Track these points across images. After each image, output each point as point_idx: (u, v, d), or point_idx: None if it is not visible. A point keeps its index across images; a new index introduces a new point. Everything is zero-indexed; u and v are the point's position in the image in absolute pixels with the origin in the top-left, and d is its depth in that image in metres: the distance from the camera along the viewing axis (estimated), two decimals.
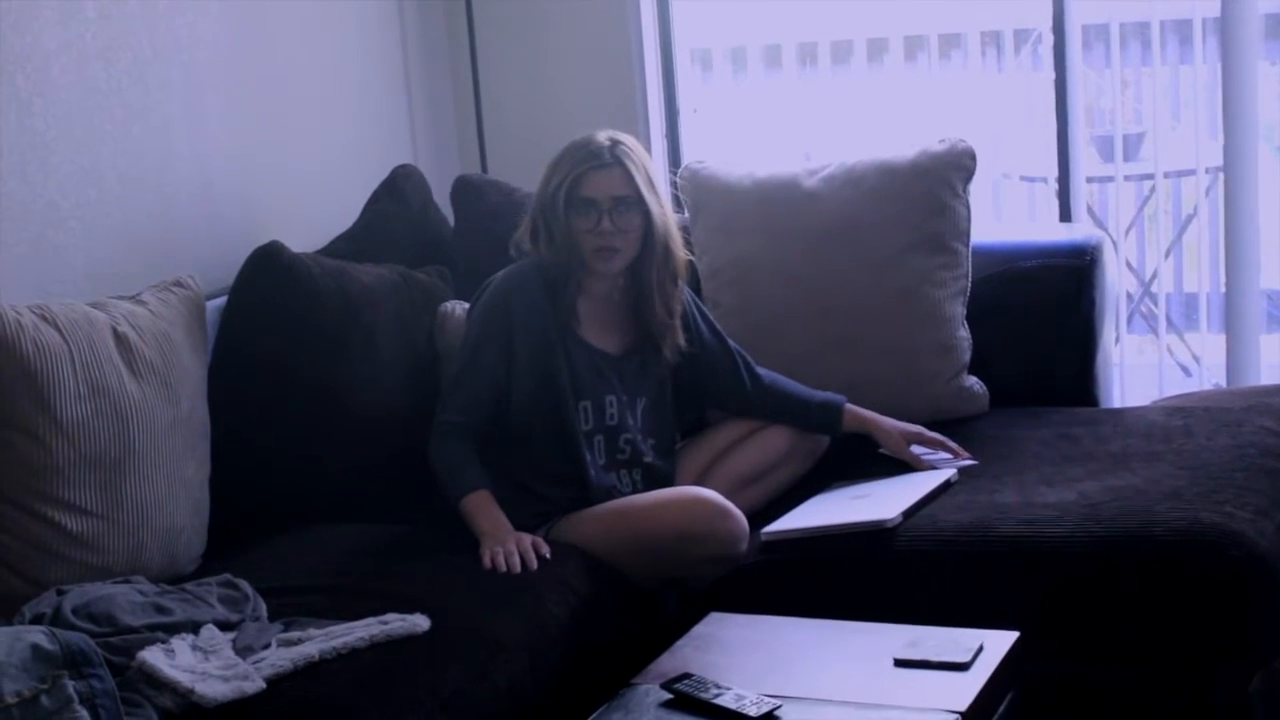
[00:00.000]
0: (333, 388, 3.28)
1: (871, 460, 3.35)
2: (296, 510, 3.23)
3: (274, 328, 3.30)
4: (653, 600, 3.10)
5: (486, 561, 2.91)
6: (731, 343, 3.39)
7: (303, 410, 3.27)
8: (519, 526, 3.03)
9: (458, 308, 3.47)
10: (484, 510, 3.04)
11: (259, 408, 3.25)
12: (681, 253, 3.25)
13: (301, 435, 3.26)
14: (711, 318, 3.41)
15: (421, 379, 3.38)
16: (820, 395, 3.37)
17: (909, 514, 3.02)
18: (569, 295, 3.17)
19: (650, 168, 3.21)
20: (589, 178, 3.14)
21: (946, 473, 3.20)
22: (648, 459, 3.24)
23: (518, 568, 2.90)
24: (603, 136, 3.18)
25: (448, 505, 3.09)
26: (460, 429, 3.13)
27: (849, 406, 3.34)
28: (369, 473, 3.33)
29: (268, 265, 3.32)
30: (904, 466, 3.31)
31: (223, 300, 3.35)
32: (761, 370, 3.40)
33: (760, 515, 3.18)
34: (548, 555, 2.95)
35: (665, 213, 3.21)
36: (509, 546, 2.94)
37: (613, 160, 3.15)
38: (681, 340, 3.27)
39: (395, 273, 3.49)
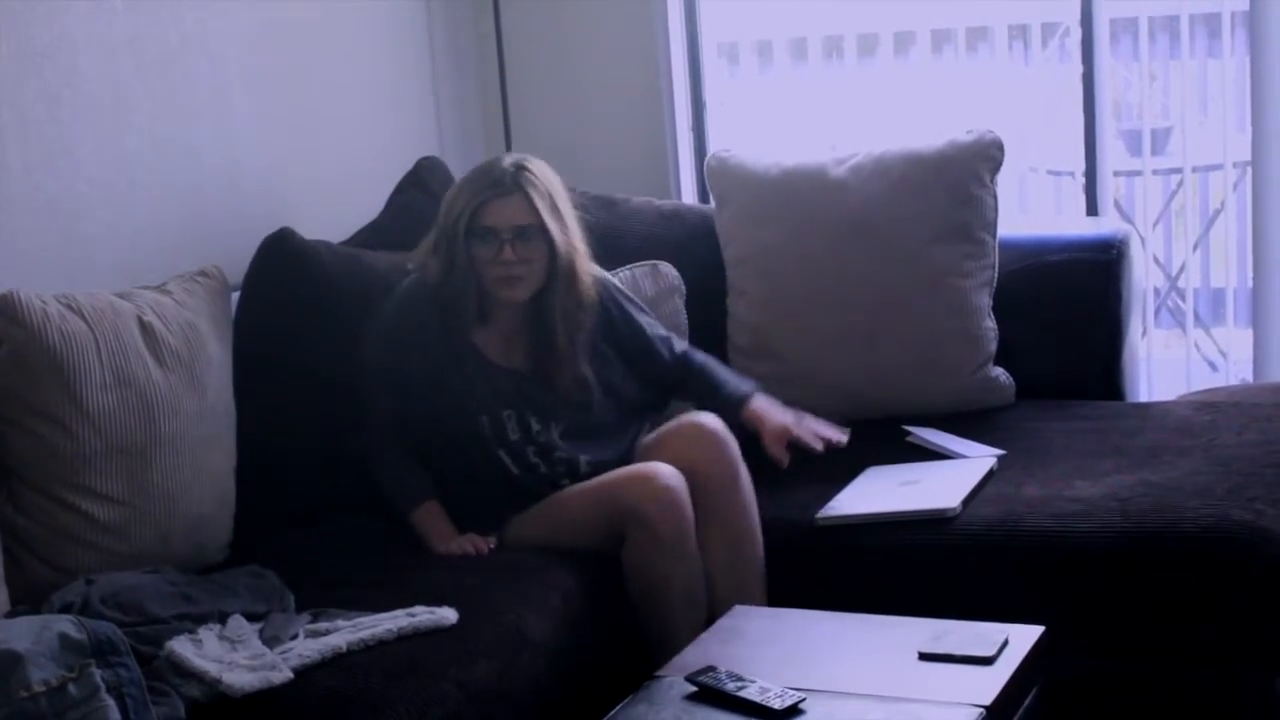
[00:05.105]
0: (348, 375, 3.24)
1: (892, 447, 3.36)
2: (320, 499, 3.23)
3: (286, 315, 3.30)
4: None
5: (442, 551, 3.04)
6: (652, 329, 3.30)
7: (320, 398, 3.26)
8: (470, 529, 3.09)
9: None
10: (433, 524, 3.10)
11: (277, 396, 3.24)
12: (589, 277, 3.17)
13: (320, 424, 3.25)
14: (632, 311, 3.29)
15: None
16: (730, 387, 3.26)
17: (966, 503, 3.01)
18: (465, 318, 3.12)
19: (557, 193, 3.13)
20: (490, 206, 3.08)
21: (989, 462, 3.20)
22: (584, 470, 3.15)
23: (471, 551, 3.02)
24: (507, 161, 3.13)
25: (395, 513, 3.13)
26: (391, 438, 3.16)
27: (753, 404, 3.22)
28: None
29: (278, 252, 3.32)
30: (931, 453, 3.32)
31: None
32: (696, 354, 3.32)
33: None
34: (493, 545, 3.05)
35: (570, 240, 3.13)
36: (463, 544, 3.04)
37: (514, 187, 3.08)
38: (583, 371, 3.17)
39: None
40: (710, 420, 3.15)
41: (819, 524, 3.06)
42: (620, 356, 3.26)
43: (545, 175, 3.14)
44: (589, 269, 3.20)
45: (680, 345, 3.35)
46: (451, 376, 3.13)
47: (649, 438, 3.25)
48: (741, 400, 3.24)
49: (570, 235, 3.14)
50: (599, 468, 3.14)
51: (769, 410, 3.22)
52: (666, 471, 3.01)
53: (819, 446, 3.17)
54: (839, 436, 3.20)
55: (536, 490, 3.12)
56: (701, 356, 3.34)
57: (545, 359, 3.16)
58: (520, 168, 3.11)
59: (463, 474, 3.14)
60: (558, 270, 3.12)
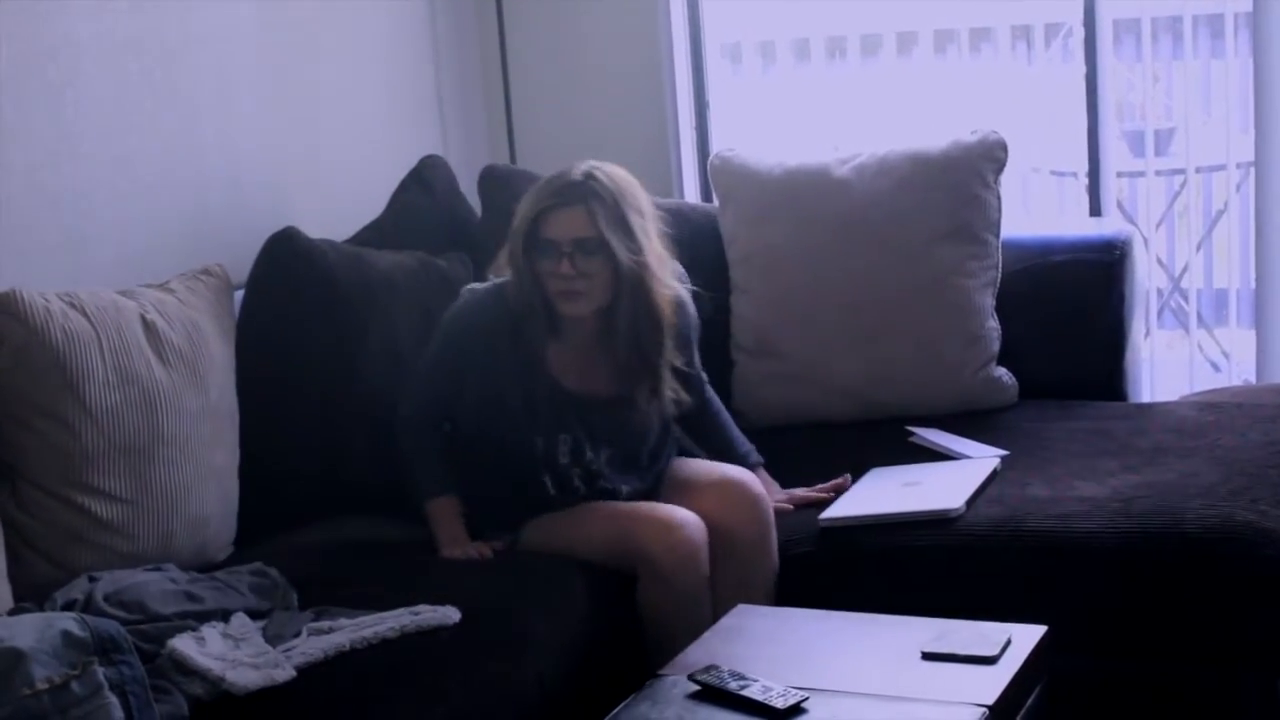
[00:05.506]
0: (350, 374, 3.25)
1: (895, 448, 3.36)
2: (323, 498, 3.23)
3: (290, 313, 3.29)
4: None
5: (446, 555, 3.01)
6: (697, 364, 3.25)
7: (323, 397, 3.25)
8: (481, 534, 3.07)
9: None
10: (446, 521, 3.06)
11: (280, 395, 3.23)
12: (663, 297, 3.01)
13: (324, 423, 3.25)
14: (694, 340, 3.20)
15: None
16: (744, 449, 3.27)
17: (969, 503, 3.01)
18: (536, 331, 3.00)
19: (628, 204, 2.96)
20: (550, 216, 2.95)
21: (992, 462, 3.20)
22: (624, 498, 3.08)
23: (477, 557, 2.99)
24: (578, 170, 2.97)
25: (411, 497, 3.10)
26: (429, 423, 3.12)
27: (761, 472, 3.23)
28: (391, 460, 3.30)
29: (282, 251, 3.31)
30: (934, 453, 3.32)
31: None
32: (712, 395, 3.32)
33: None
34: (499, 549, 3.03)
35: (640, 255, 2.96)
36: (468, 551, 3.00)
37: (576, 198, 2.93)
38: (670, 390, 3.06)
39: (413, 259, 3.47)
40: (749, 479, 3.10)
41: (822, 525, 3.06)
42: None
43: (617, 185, 2.98)
44: (664, 288, 3.04)
45: (703, 380, 3.30)
46: (513, 391, 3.02)
47: (681, 471, 3.18)
48: (752, 468, 3.22)
49: (641, 251, 2.97)
50: (636, 496, 3.09)
51: (770, 483, 3.21)
52: (690, 522, 2.95)
53: (824, 496, 3.18)
54: (837, 482, 3.22)
55: (566, 507, 3.08)
56: (717, 402, 3.33)
57: (617, 379, 3.06)
58: (588, 176, 2.96)
59: (496, 479, 3.08)
60: (622, 288, 2.97)
